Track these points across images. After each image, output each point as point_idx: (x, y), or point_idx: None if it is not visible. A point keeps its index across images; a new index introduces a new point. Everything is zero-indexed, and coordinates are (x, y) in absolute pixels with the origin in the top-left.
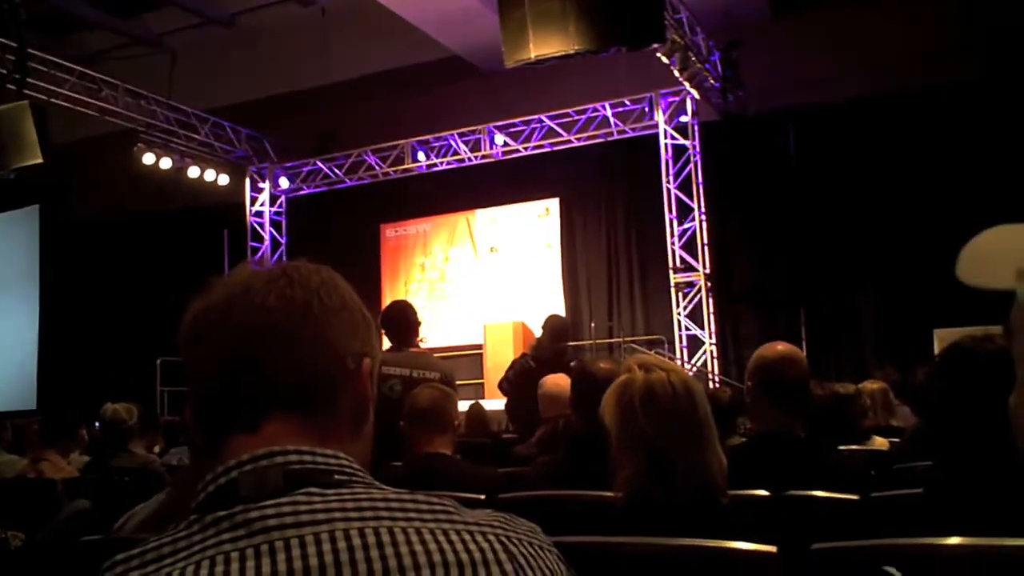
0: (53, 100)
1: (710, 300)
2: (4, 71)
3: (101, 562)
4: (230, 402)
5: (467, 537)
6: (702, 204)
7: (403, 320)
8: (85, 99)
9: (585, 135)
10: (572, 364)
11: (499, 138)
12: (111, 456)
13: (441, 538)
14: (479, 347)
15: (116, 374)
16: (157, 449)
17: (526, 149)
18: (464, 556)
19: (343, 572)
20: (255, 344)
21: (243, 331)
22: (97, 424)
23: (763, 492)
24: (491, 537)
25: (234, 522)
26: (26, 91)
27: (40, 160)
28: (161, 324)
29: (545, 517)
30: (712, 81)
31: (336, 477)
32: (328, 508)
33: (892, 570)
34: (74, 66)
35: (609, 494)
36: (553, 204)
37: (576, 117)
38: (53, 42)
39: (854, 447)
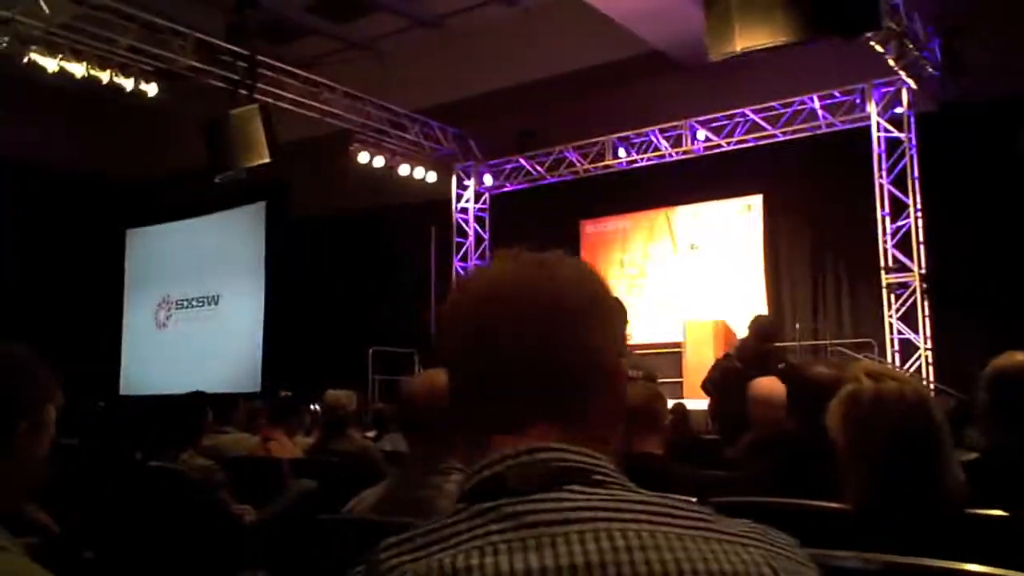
0: (279, 103)
1: (925, 302)
2: (237, 77)
3: (336, 540)
4: (494, 403)
5: (728, 548)
6: (918, 200)
7: None
8: (307, 102)
9: (790, 129)
10: (780, 367)
11: (701, 133)
12: (331, 439)
13: (703, 547)
14: (678, 345)
15: (331, 362)
16: (371, 435)
17: (728, 144)
18: (727, 567)
19: (607, 572)
20: (521, 344)
21: (507, 330)
22: (315, 407)
23: (1000, 512)
24: (752, 550)
25: (501, 514)
26: (256, 95)
27: (268, 159)
28: (373, 315)
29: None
30: (930, 69)
31: (595, 477)
32: (591, 506)
33: None
34: (297, 71)
35: (834, 505)
36: (756, 200)
37: (781, 110)
38: (277, 49)
39: None
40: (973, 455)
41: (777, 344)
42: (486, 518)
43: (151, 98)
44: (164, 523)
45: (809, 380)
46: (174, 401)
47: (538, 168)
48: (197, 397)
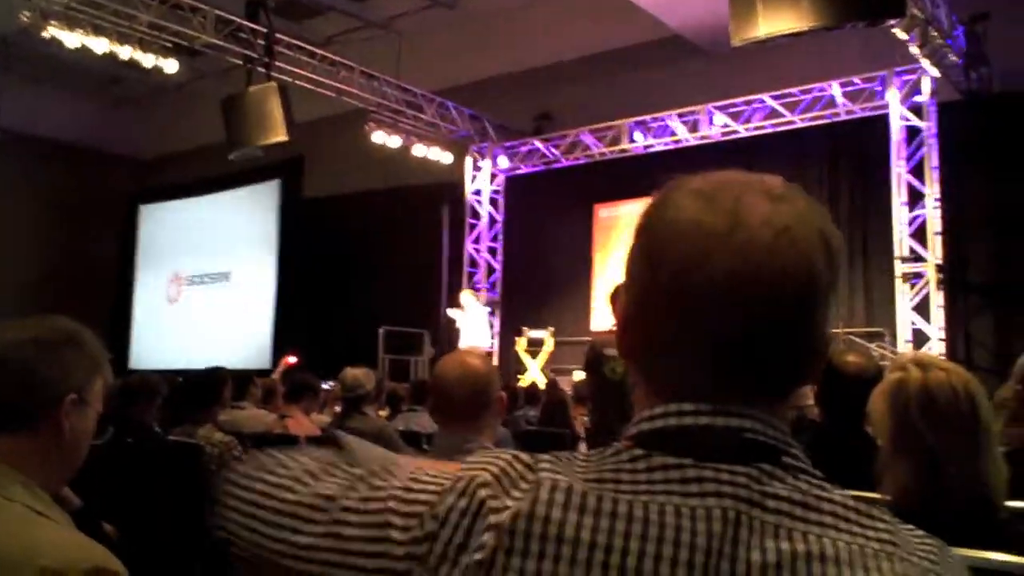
0: (296, 82)
1: (941, 293)
2: (255, 55)
3: None
4: (695, 373)
5: (912, 572)
6: (936, 190)
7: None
8: (324, 80)
9: (809, 116)
10: None
11: (718, 118)
12: (348, 417)
13: (885, 566)
14: None
15: (342, 340)
16: (384, 414)
17: (746, 130)
18: None
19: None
20: (763, 314)
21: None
22: (327, 385)
23: None
24: None
25: (685, 475)
26: (273, 73)
27: (285, 137)
28: (384, 295)
29: None
30: (953, 57)
31: (784, 459)
32: (778, 496)
33: None
34: (315, 49)
35: (871, 495)
36: None
37: (800, 97)
38: (294, 27)
39: None
40: (1004, 447)
41: None
42: (668, 475)
43: (169, 75)
44: (183, 496)
45: (838, 368)
46: (194, 375)
47: (553, 151)
48: (217, 372)
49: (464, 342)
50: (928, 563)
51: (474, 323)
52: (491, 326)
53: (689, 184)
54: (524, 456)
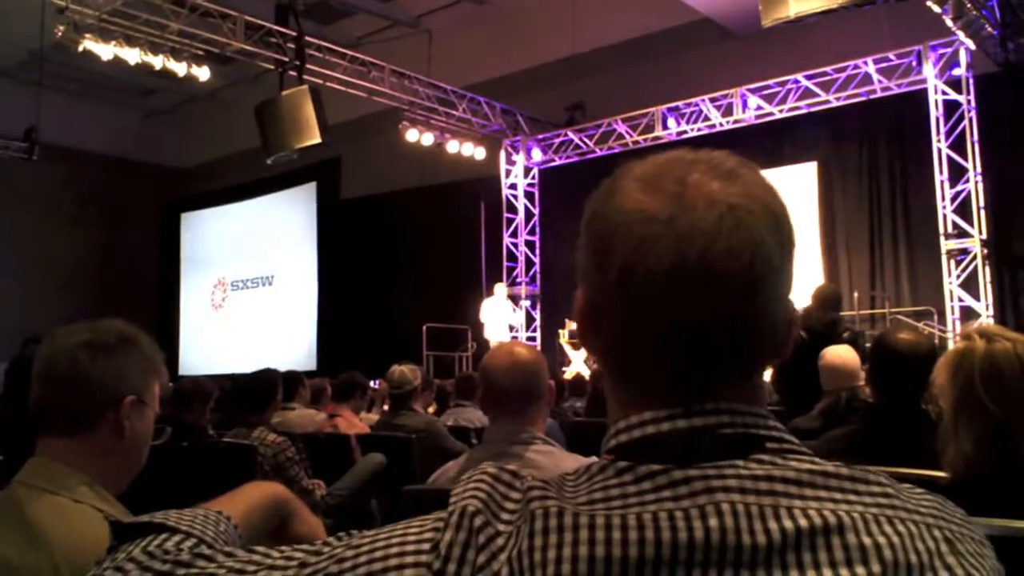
0: (328, 84)
1: (987, 268)
2: (286, 59)
3: (421, 511)
4: (670, 366)
5: (915, 530)
6: (978, 164)
7: None
8: (356, 81)
9: (844, 94)
10: (845, 335)
11: (752, 101)
12: (397, 414)
13: (888, 529)
14: None
15: (385, 339)
16: (432, 410)
17: (781, 112)
18: (914, 558)
19: (786, 557)
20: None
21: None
22: (374, 384)
23: None
24: (937, 533)
25: (672, 479)
26: (305, 76)
27: (319, 140)
28: (425, 292)
29: None
30: (989, 29)
31: (767, 444)
32: (771, 478)
33: None
34: (345, 51)
35: (928, 472)
36: (811, 168)
37: (834, 76)
38: (323, 29)
39: None
40: None
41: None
42: (656, 482)
43: (202, 83)
44: None
45: (891, 346)
46: (246, 378)
47: (587, 141)
48: (270, 374)
49: (486, 334)
50: (932, 518)
51: (496, 316)
52: (526, 318)
53: (634, 170)
54: (503, 476)
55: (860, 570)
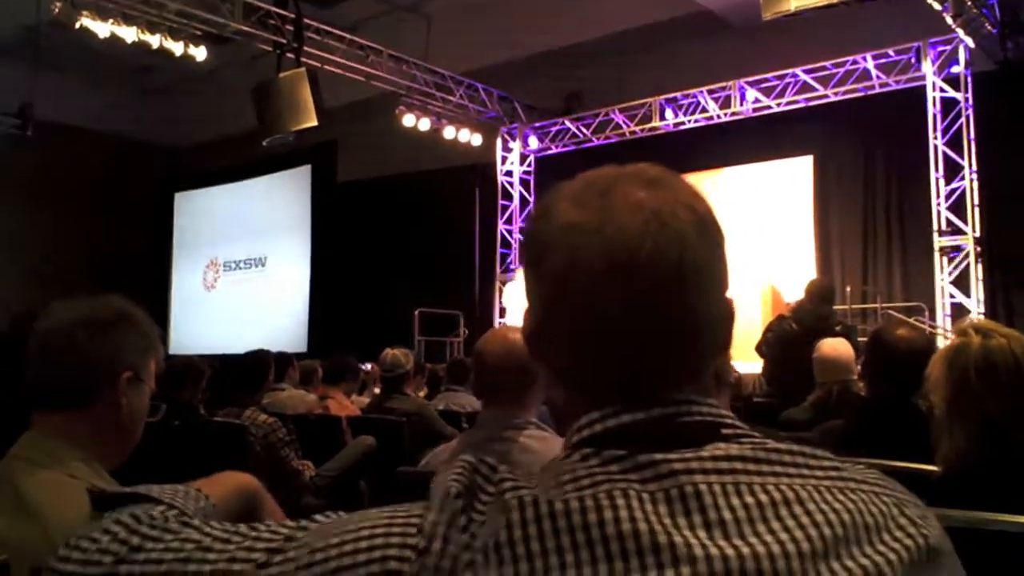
0: (325, 67)
1: (979, 266)
2: (284, 40)
3: (413, 492)
4: (625, 370)
5: (865, 498)
6: (974, 162)
7: None
8: (353, 65)
9: (842, 89)
10: (837, 329)
11: (750, 94)
12: (389, 397)
13: (841, 498)
14: None
15: (377, 323)
16: (423, 394)
17: (778, 105)
18: (869, 519)
19: (756, 528)
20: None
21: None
22: (365, 367)
23: None
24: (886, 499)
25: (637, 463)
26: (302, 59)
27: (316, 123)
28: (418, 277)
29: None
30: (989, 27)
31: (723, 432)
32: (730, 457)
33: None
34: (343, 34)
35: (920, 466)
36: (806, 162)
37: (833, 70)
38: (323, 12)
39: None
40: None
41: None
42: (623, 465)
43: (199, 63)
44: None
45: (888, 341)
46: (238, 359)
47: (584, 130)
48: (262, 355)
49: (509, 319)
50: (879, 487)
51: (520, 300)
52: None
53: (564, 190)
54: (481, 466)
55: (826, 531)
